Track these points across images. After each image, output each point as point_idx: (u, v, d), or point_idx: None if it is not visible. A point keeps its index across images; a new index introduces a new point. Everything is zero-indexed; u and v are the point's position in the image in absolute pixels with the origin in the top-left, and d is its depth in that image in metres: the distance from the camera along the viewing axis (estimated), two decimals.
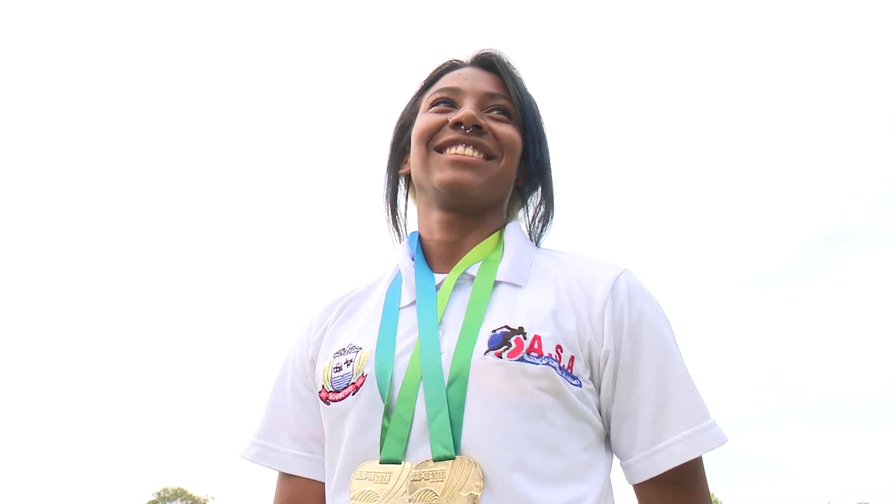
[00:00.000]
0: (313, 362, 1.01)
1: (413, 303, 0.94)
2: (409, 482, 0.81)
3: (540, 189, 1.07)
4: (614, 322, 0.88)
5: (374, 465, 0.84)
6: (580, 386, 0.86)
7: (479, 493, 0.78)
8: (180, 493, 52.97)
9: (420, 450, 0.82)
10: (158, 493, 52.28)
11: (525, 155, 1.02)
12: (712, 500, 0.93)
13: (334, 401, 0.92)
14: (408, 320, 0.93)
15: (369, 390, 0.88)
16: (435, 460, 0.81)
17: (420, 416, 0.84)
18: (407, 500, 0.80)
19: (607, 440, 0.91)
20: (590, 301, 0.89)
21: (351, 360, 0.92)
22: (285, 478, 1.00)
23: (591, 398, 0.88)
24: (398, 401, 0.85)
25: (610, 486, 0.89)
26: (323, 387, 0.94)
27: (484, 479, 0.79)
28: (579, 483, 0.83)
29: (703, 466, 0.91)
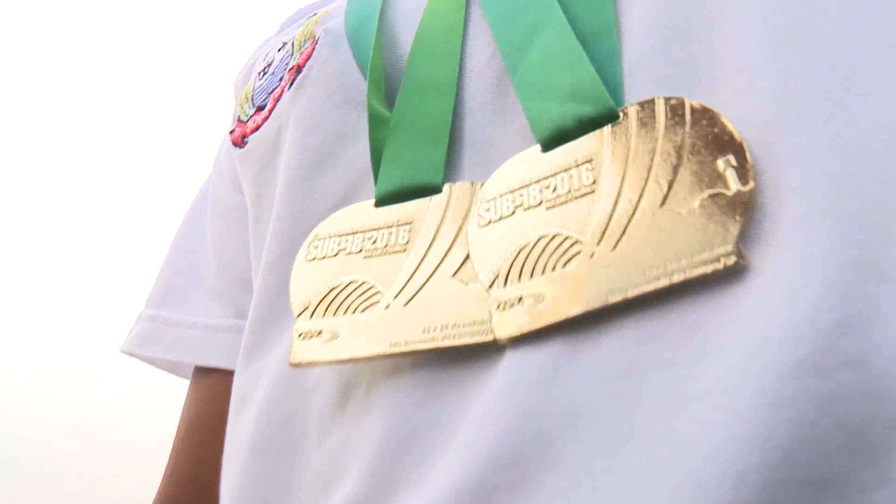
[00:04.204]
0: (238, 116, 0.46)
1: None
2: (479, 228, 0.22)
3: None
4: None
5: (364, 212, 0.26)
6: None
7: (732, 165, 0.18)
8: None
9: (493, 148, 0.25)
10: None
11: None
12: None
13: (254, 129, 0.39)
14: None
15: (330, 55, 0.35)
16: (546, 143, 0.22)
17: (479, 65, 0.28)
18: (490, 313, 0.20)
19: None
20: None
21: (288, 41, 0.41)
22: (198, 375, 0.46)
23: None
24: (413, 50, 0.30)
25: None
26: (238, 119, 0.42)
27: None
28: None
29: None
